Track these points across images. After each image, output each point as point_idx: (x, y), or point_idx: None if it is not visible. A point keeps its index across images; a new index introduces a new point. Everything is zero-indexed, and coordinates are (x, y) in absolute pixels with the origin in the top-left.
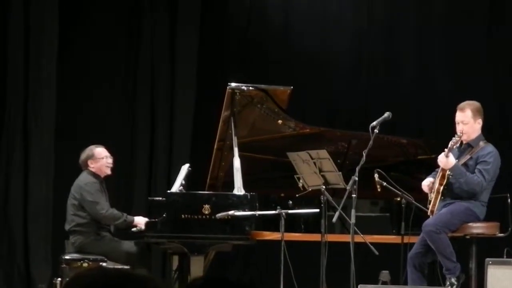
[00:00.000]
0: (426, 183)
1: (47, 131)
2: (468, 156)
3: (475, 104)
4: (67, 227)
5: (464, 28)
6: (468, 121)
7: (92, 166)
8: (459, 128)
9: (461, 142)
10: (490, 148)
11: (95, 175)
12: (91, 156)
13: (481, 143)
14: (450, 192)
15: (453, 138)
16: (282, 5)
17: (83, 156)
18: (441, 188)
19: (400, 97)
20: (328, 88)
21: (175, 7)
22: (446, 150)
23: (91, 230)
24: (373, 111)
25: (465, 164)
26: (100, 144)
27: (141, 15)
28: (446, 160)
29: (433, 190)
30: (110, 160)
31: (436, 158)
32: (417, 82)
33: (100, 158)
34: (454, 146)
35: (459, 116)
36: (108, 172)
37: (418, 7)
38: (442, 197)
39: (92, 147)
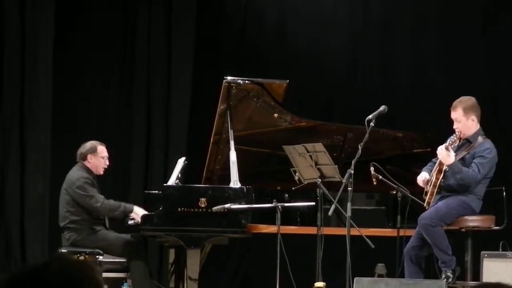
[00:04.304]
0: (421, 178)
1: (43, 127)
2: (466, 151)
3: (468, 101)
4: (61, 223)
5: (459, 27)
6: (460, 119)
7: (91, 161)
8: (454, 126)
9: (460, 138)
10: (488, 144)
11: (88, 170)
12: (94, 151)
13: (480, 139)
14: (446, 185)
15: (452, 136)
16: (278, 5)
17: (84, 149)
18: (438, 182)
19: (395, 94)
20: (324, 87)
21: (171, 4)
22: (447, 142)
23: (84, 226)
24: (369, 109)
25: (462, 159)
26: (97, 139)
27: (137, 14)
28: (447, 155)
29: (430, 183)
30: (107, 162)
31: (431, 152)
32: (413, 80)
33: (101, 156)
34: (453, 145)
35: (452, 114)
36: (101, 172)
37: (413, 7)
38: (439, 190)
39: (95, 142)
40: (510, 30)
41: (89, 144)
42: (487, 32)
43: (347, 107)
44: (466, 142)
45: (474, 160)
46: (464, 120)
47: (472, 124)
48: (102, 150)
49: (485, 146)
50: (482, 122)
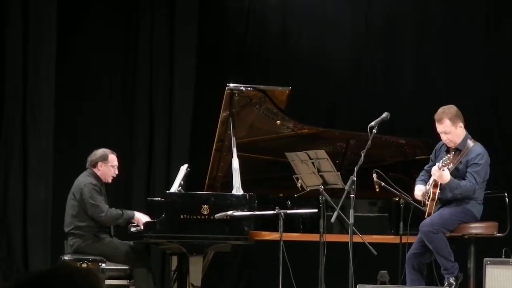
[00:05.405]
0: (419, 193)
1: (45, 133)
2: (458, 161)
3: (450, 110)
4: (66, 229)
5: (462, 29)
6: (449, 130)
7: (100, 169)
8: (443, 138)
9: (449, 148)
10: (479, 149)
11: (97, 177)
12: (104, 159)
13: (469, 142)
14: (444, 198)
15: (445, 158)
16: (281, 8)
17: (95, 156)
18: (436, 196)
19: (398, 98)
20: (326, 91)
21: (173, 10)
22: (440, 163)
23: (89, 233)
24: (372, 113)
25: (456, 169)
26: (99, 144)
27: (139, 16)
28: (441, 174)
29: (427, 197)
30: (116, 171)
31: None
32: (415, 84)
33: (111, 165)
34: (447, 166)
35: (439, 127)
36: (110, 181)
37: (415, 9)
38: (438, 201)
39: (107, 150)
40: (511, 32)
41: (100, 151)
42: (489, 34)
43: (350, 110)
44: (456, 151)
45: (468, 170)
46: (453, 129)
47: (460, 131)
48: (113, 158)
49: (476, 151)
50: (482, 123)
